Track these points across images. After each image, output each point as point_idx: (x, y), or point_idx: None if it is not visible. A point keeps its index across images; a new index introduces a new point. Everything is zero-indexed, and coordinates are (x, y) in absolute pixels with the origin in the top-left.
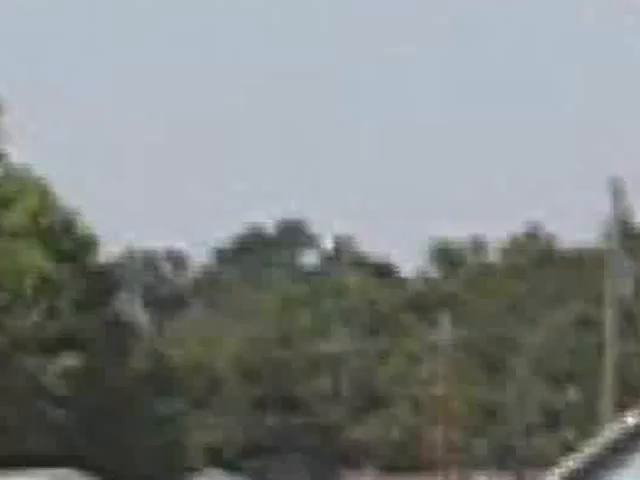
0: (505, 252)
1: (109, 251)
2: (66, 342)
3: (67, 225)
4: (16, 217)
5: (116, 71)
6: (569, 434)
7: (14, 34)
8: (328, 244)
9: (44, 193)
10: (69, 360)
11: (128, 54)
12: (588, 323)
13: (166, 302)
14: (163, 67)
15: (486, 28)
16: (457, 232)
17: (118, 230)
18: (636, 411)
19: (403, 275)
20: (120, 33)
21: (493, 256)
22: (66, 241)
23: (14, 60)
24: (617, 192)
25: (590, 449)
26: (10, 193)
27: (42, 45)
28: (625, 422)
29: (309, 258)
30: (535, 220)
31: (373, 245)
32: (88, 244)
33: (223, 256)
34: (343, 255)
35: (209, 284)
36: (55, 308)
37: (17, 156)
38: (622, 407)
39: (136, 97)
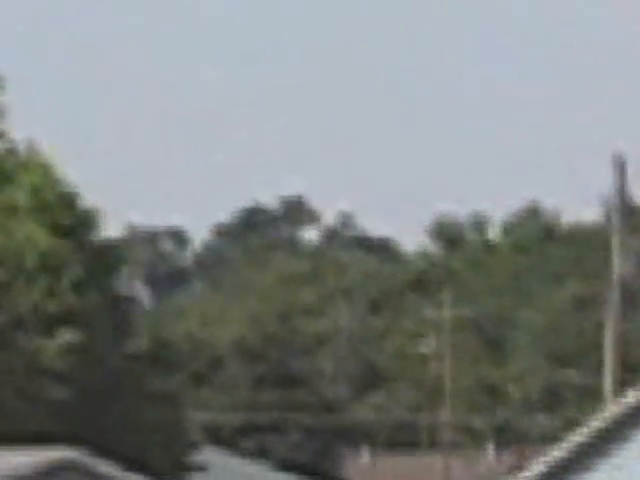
0: (506, 229)
1: (111, 228)
2: (66, 319)
3: (69, 201)
4: (18, 193)
5: (118, 41)
6: (570, 412)
7: (14, 11)
8: (329, 221)
9: (47, 169)
10: (68, 337)
11: (132, 22)
12: (589, 300)
13: (167, 279)
14: (167, 38)
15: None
16: (458, 209)
17: (120, 207)
18: (637, 388)
19: (404, 252)
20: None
21: (494, 233)
22: (67, 217)
23: (15, 36)
24: (619, 168)
25: (591, 426)
26: (12, 169)
27: (43, 22)
28: (626, 399)
29: (310, 235)
30: (536, 197)
31: (374, 222)
32: (90, 220)
33: (224, 233)
34: (344, 232)
35: (210, 261)
36: (55, 285)
37: (19, 132)
38: (623, 385)
39: (138, 71)
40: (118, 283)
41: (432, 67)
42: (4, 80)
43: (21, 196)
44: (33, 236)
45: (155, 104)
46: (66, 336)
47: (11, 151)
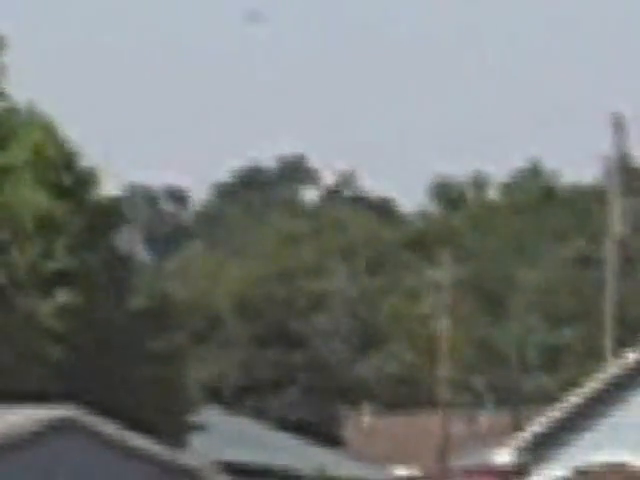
0: (506, 189)
1: (110, 187)
2: (63, 280)
3: (69, 160)
4: (18, 153)
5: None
6: (570, 372)
7: None
8: (329, 180)
9: (47, 129)
10: (65, 298)
11: None
12: (588, 261)
13: (166, 238)
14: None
15: None
16: (458, 169)
17: (120, 166)
18: (636, 348)
19: (403, 212)
20: None
21: (494, 193)
22: (68, 176)
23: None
24: (618, 128)
25: (590, 387)
26: (12, 129)
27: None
28: (626, 359)
29: (309, 194)
30: (536, 156)
31: (374, 181)
32: (90, 180)
33: (223, 192)
34: (344, 191)
35: (209, 220)
36: (54, 245)
37: (20, 92)
38: (622, 345)
39: (138, 32)
40: (118, 242)
41: (432, 31)
42: (4, 40)
43: (21, 155)
44: (31, 196)
45: (156, 64)
46: (63, 297)
47: (11, 110)
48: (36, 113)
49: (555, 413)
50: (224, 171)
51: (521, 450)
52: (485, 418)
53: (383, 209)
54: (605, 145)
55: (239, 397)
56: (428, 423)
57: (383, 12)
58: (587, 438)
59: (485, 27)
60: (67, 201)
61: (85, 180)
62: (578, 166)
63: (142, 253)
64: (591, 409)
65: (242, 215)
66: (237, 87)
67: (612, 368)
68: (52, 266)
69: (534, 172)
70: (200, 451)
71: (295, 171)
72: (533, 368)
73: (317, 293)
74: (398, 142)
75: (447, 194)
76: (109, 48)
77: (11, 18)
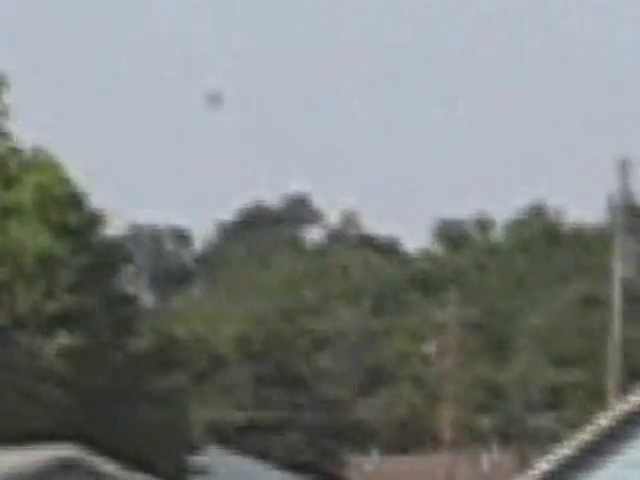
0: (510, 230)
1: (114, 227)
2: (65, 320)
3: (75, 200)
4: (22, 193)
5: (121, 40)
6: (572, 413)
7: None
8: (333, 220)
9: (52, 169)
10: (67, 339)
11: (135, 20)
12: (593, 302)
13: (170, 278)
14: (171, 37)
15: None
16: (462, 210)
17: (123, 206)
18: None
19: (408, 253)
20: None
21: (498, 234)
22: (74, 217)
23: (17, 36)
24: (624, 171)
25: (597, 425)
26: (16, 169)
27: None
28: (628, 403)
29: (314, 234)
30: (540, 198)
31: (378, 222)
32: (95, 220)
33: (227, 232)
34: (348, 232)
35: (213, 260)
36: (56, 285)
37: (25, 133)
38: (625, 388)
39: (143, 74)
40: (121, 282)
41: (436, 68)
42: (7, 79)
43: (26, 195)
44: (33, 236)
45: (158, 103)
46: (65, 337)
47: (15, 150)
48: (41, 153)
49: (561, 452)
50: (228, 210)
51: None
52: (489, 459)
53: (387, 249)
54: (609, 185)
55: (242, 438)
56: (433, 464)
57: (388, 53)
58: (594, 477)
59: (488, 68)
60: (71, 241)
61: (91, 220)
62: (581, 207)
63: (145, 293)
64: (598, 447)
65: (246, 255)
66: (242, 126)
67: (618, 407)
68: (54, 306)
69: (538, 213)
70: None
71: (299, 211)
72: (536, 408)
73: (321, 334)
74: (402, 182)
75: (451, 234)
76: (114, 90)
77: (13, 58)
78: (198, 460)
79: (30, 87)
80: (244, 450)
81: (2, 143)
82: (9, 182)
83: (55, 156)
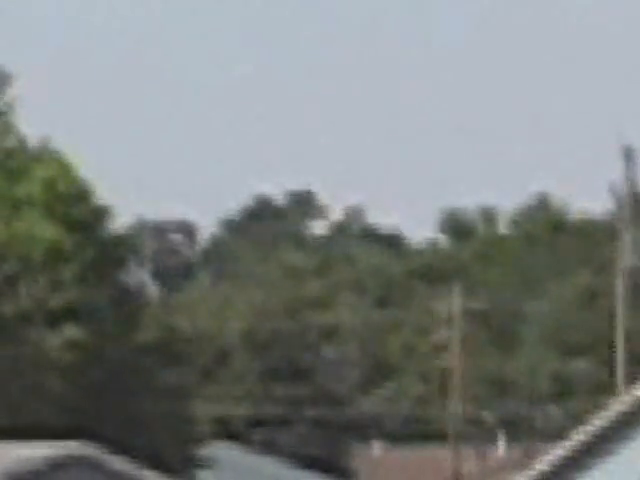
0: (515, 221)
1: (119, 221)
2: (73, 313)
3: (81, 195)
4: (29, 187)
5: (130, 32)
6: (580, 405)
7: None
8: (338, 214)
9: (59, 164)
10: (72, 333)
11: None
12: (598, 293)
13: (175, 272)
14: (183, 31)
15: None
16: (467, 202)
17: (128, 200)
18: None
19: (413, 245)
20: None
21: (503, 226)
22: (78, 211)
23: (23, 31)
24: (628, 160)
25: (598, 422)
26: (23, 164)
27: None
28: (636, 393)
29: (318, 229)
30: (545, 189)
31: (383, 215)
32: (101, 214)
33: (232, 226)
34: (352, 226)
35: (218, 254)
36: (62, 278)
37: (32, 127)
38: (632, 378)
39: (150, 68)
40: (126, 276)
41: (437, 58)
42: (11, 75)
43: (32, 189)
44: (39, 230)
45: (166, 96)
46: (71, 331)
47: (22, 145)
48: (48, 148)
49: (563, 449)
50: (233, 205)
51: None
52: (496, 453)
53: (392, 243)
54: (615, 176)
55: (248, 431)
56: (438, 458)
57: (393, 48)
58: (595, 475)
59: (491, 57)
60: (77, 235)
61: (97, 214)
62: (587, 197)
63: (150, 287)
64: (599, 445)
65: (250, 249)
66: (247, 121)
67: (620, 403)
68: (59, 299)
69: (543, 204)
70: None
71: (304, 205)
72: (543, 401)
73: (326, 327)
74: (406, 175)
75: (456, 227)
76: (121, 84)
77: (20, 54)
78: (204, 453)
79: (37, 81)
80: (250, 443)
81: (9, 137)
82: (16, 176)
83: (61, 150)
